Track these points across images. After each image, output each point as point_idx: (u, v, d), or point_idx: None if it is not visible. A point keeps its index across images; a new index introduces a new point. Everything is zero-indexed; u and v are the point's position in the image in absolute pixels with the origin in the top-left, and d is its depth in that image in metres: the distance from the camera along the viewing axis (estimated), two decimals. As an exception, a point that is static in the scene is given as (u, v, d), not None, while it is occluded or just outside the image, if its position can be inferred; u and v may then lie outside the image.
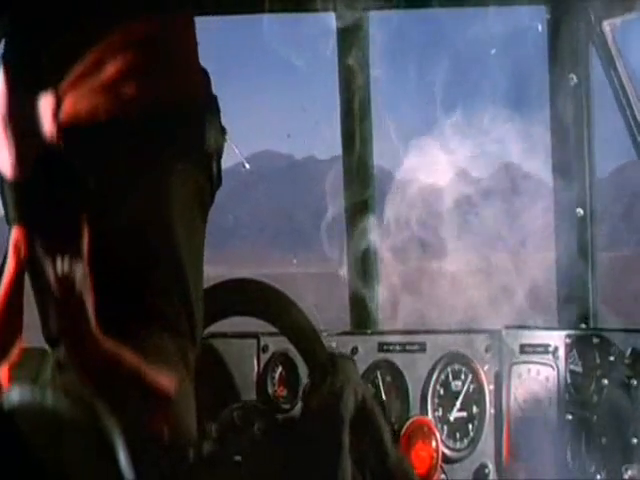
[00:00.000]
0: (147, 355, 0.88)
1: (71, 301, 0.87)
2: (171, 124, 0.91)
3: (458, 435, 2.32)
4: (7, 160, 0.89)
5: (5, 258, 0.92)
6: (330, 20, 2.49)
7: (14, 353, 0.92)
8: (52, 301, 0.89)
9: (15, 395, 0.80)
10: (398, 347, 2.37)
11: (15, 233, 0.90)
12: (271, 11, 2.55)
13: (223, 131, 0.97)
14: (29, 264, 0.91)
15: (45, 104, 0.87)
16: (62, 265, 0.86)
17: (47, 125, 0.87)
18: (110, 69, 0.87)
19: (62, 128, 0.87)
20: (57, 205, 0.88)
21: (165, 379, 0.88)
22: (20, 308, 0.93)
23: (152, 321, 0.90)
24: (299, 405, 2.34)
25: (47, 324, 0.92)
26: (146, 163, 0.89)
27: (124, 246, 0.89)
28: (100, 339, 0.87)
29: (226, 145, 0.97)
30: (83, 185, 0.87)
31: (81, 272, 0.86)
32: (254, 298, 2.04)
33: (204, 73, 0.97)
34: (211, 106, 0.96)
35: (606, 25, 2.23)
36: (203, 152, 0.93)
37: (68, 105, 0.86)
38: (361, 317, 2.61)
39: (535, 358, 2.25)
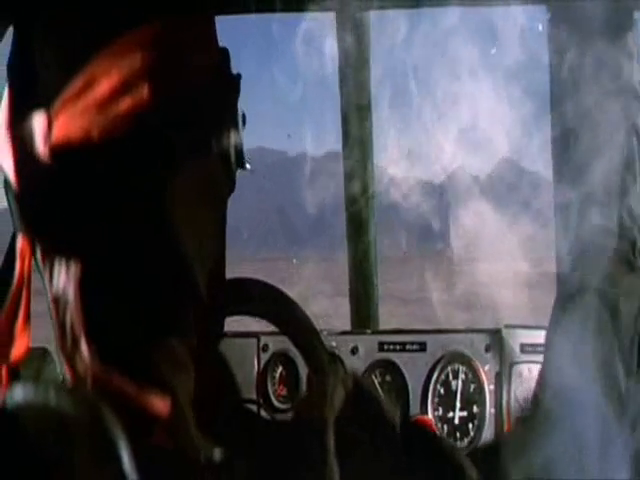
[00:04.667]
0: (152, 359, 0.88)
1: (67, 316, 0.87)
2: (180, 124, 0.89)
3: (458, 435, 2.32)
4: (11, 170, 0.89)
5: (5, 263, 0.93)
6: (330, 20, 2.49)
7: (19, 359, 0.92)
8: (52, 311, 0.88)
9: (18, 394, 0.79)
10: (398, 346, 2.37)
11: (20, 242, 0.90)
12: (270, 10, 2.55)
13: (243, 116, 0.94)
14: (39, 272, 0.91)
15: (40, 117, 0.86)
16: (60, 277, 0.86)
17: (42, 138, 0.86)
18: (115, 75, 0.86)
19: (57, 139, 0.86)
20: (56, 216, 0.87)
21: (158, 401, 0.87)
22: (26, 316, 0.92)
23: (158, 323, 0.89)
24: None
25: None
26: (156, 162, 0.88)
27: (126, 255, 0.88)
28: (93, 361, 0.86)
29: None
30: (82, 195, 0.86)
31: (78, 285, 0.86)
32: (254, 297, 2.04)
33: (221, 55, 0.93)
34: (227, 91, 0.93)
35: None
36: (217, 145, 0.91)
37: (63, 118, 0.86)
38: (361, 317, 2.61)
39: (536, 358, 2.24)
